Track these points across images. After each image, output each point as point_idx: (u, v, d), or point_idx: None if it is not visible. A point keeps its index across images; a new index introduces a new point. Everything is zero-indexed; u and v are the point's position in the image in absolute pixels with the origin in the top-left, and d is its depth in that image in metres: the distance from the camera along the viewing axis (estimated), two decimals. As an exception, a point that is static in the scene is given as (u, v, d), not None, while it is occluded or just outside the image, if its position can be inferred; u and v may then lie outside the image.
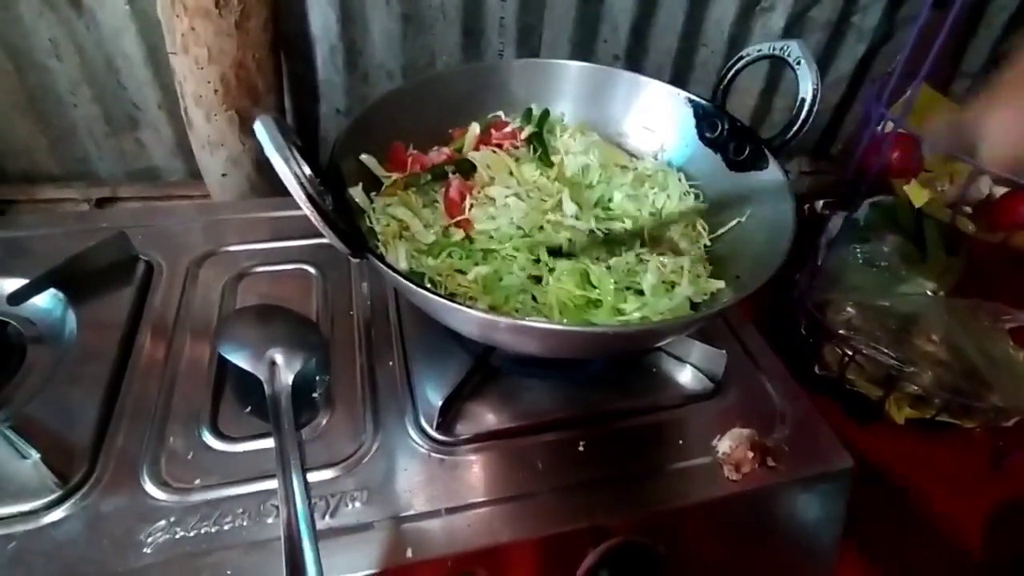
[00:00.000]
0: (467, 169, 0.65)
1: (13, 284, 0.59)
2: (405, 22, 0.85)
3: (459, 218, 0.60)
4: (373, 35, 0.86)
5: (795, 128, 0.60)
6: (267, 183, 0.85)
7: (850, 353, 0.79)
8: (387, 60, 0.88)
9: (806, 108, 0.59)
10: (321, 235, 0.46)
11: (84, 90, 0.83)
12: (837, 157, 1.20)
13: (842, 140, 1.19)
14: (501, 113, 0.72)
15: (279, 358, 0.54)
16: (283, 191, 0.44)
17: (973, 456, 0.79)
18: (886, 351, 0.78)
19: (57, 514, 0.46)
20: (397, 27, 0.85)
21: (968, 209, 0.86)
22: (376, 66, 0.88)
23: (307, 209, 0.43)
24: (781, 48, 0.61)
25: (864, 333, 0.80)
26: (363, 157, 0.62)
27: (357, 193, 0.59)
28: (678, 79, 1.03)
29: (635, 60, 0.99)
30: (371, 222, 0.59)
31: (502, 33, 0.90)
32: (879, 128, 0.78)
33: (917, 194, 0.79)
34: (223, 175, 0.82)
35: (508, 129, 0.70)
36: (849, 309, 0.83)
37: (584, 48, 0.96)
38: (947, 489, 0.75)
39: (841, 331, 0.81)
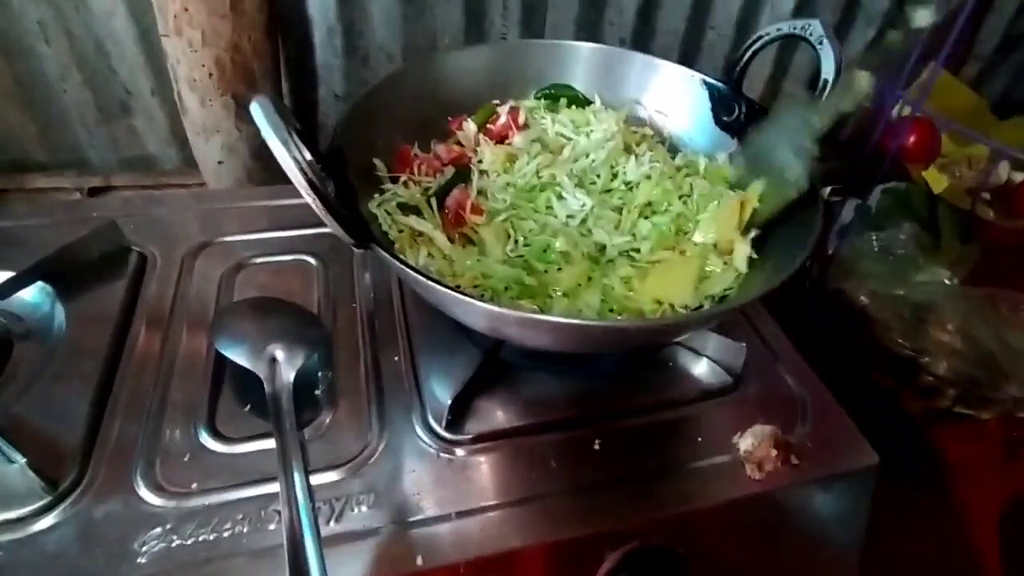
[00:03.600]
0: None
1: (-2, 277, 0.56)
2: (405, 2, 0.82)
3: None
4: (372, 16, 0.83)
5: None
6: (265, 171, 0.82)
7: (863, 343, 0.77)
8: (387, 42, 0.85)
9: (828, 89, 0.56)
10: (322, 224, 0.44)
11: (74, 75, 0.80)
12: (846, 144, 1.17)
13: (850, 127, 1.17)
14: (498, 102, 0.67)
15: (279, 354, 0.52)
16: (282, 179, 0.41)
17: (988, 447, 0.78)
18: (900, 340, 0.76)
19: (46, 521, 0.43)
20: (397, 7, 0.82)
21: (986, 195, 0.84)
22: (376, 48, 0.86)
23: (308, 196, 0.41)
24: (802, 27, 0.58)
25: (878, 322, 0.78)
26: (375, 161, 0.59)
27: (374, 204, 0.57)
28: (685, 62, 0.99)
29: (641, 43, 0.96)
30: (384, 226, 0.56)
31: (505, 15, 0.87)
32: (894, 112, 0.75)
33: (936, 180, 0.78)
34: (219, 163, 0.80)
35: (503, 120, 0.64)
36: (863, 298, 0.81)
37: (589, 30, 0.93)
38: (961, 480, 0.73)
39: (854, 320, 0.79)
